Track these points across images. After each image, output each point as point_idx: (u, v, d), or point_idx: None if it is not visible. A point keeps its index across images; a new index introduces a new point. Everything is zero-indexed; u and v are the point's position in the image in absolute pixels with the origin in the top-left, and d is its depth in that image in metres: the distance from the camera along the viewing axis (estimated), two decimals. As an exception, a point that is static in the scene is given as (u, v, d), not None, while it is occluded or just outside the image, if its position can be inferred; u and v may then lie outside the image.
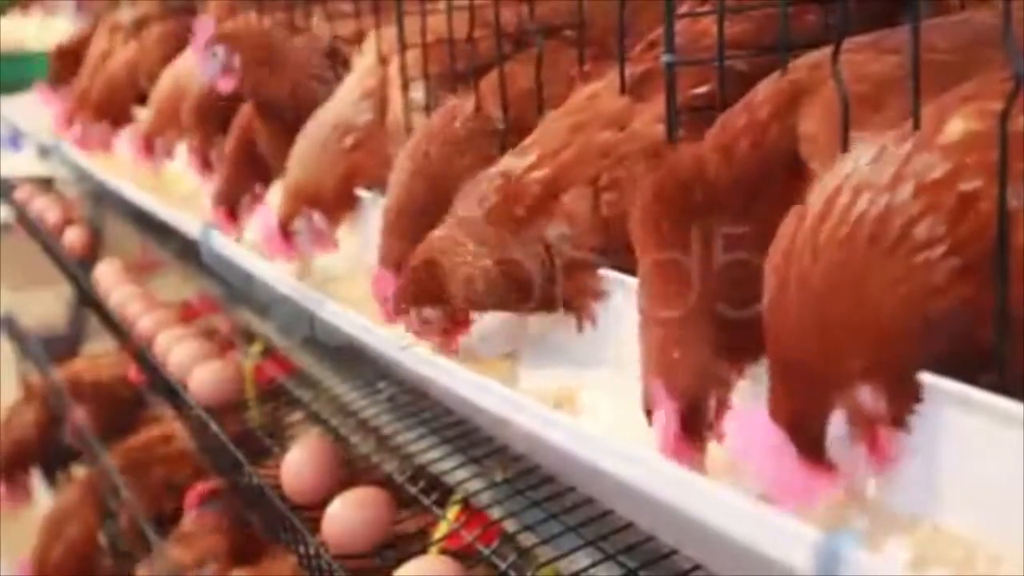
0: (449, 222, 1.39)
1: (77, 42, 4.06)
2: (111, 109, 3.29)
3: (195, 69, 2.37)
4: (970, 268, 0.87)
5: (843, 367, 0.89)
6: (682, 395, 1.07)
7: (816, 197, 0.93)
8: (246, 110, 2.18)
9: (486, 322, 1.48)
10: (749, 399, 1.06)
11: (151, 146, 2.88)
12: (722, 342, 1.07)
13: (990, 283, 0.87)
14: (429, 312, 1.42)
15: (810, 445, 0.91)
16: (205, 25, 2.26)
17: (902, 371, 0.90)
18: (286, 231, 1.88)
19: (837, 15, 1.22)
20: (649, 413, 1.09)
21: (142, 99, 3.05)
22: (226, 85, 2.19)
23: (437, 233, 1.40)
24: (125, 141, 3.20)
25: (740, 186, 1.09)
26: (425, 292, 1.40)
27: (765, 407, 0.93)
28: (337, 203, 1.86)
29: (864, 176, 0.91)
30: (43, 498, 4.64)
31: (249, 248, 2.17)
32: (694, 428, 1.07)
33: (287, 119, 2.05)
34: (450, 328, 1.44)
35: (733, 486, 0.99)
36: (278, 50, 2.15)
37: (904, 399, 0.90)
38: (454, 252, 1.36)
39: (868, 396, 0.89)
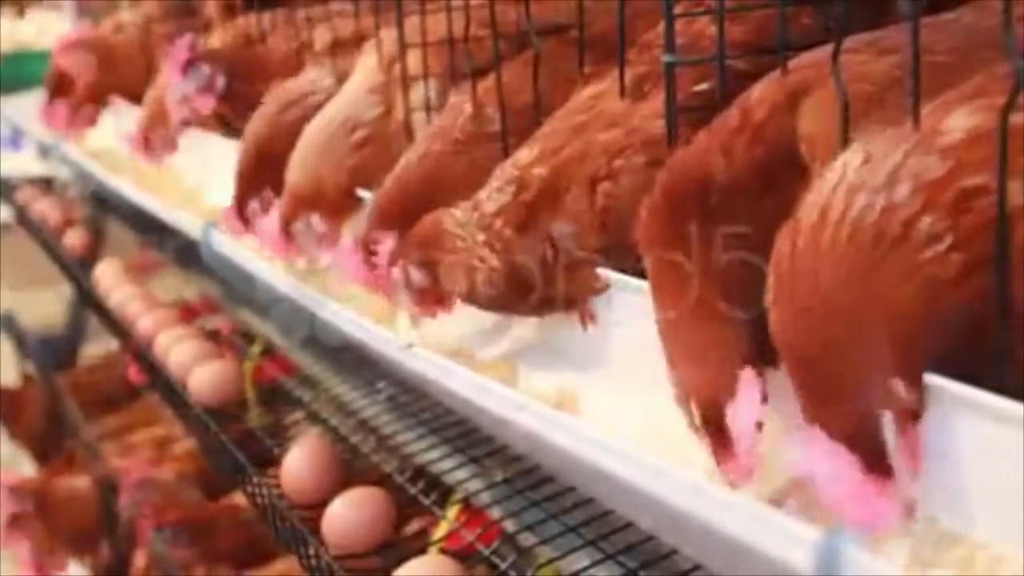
0: (467, 206, 1.40)
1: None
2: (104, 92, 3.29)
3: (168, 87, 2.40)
4: (978, 263, 0.87)
5: (872, 360, 0.88)
6: None
7: (809, 207, 0.92)
8: (256, 116, 2.15)
9: (486, 322, 1.48)
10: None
11: (149, 144, 2.88)
12: None
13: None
14: (417, 275, 1.43)
15: (876, 453, 0.88)
16: (183, 43, 2.30)
17: (919, 363, 0.89)
18: (287, 232, 1.86)
19: (833, 16, 1.23)
20: None
21: (139, 98, 3.04)
22: (205, 104, 2.22)
23: (456, 213, 1.40)
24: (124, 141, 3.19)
25: (741, 188, 1.09)
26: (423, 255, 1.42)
27: (818, 436, 0.90)
28: (341, 201, 1.84)
29: (855, 179, 0.90)
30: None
31: (249, 248, 2.16)
32: None
33: None
34: (431, 300, 1.46)
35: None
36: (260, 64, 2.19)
37: (920, 393, 0.90)
38: (461, 239, 1.37)
39: (903, 388, 0.88)
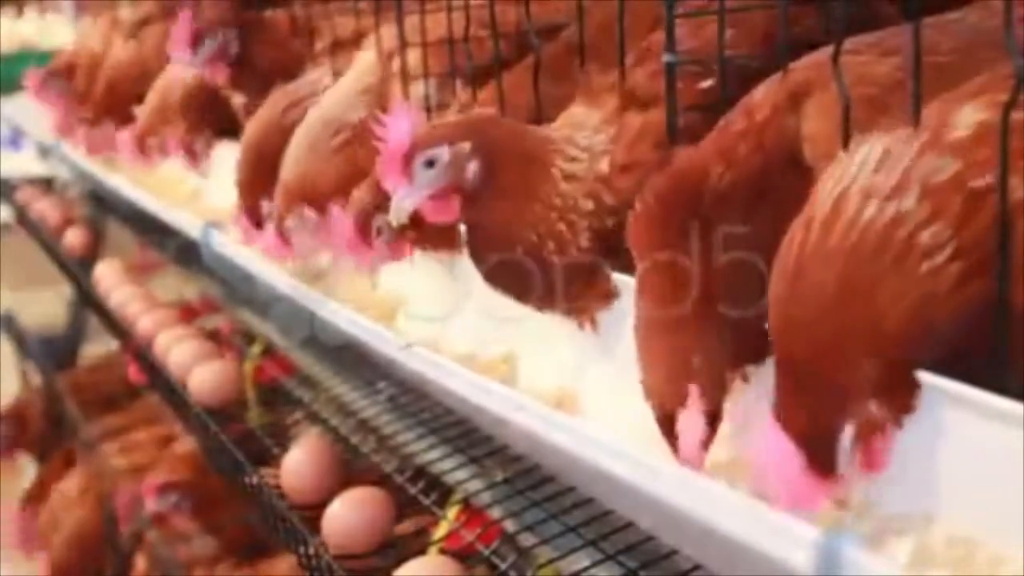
0: (582, 164, 1.32)
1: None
2: (113, 108, 3.28)
3: (181, 61, 2.31)
4: (979, 266, 0.87)
5: (857, 380, 0.89)
6: None
7: (823, 201, 0.93)
8: (253, 122, 2.14)
9: (486, 322, 1.48)
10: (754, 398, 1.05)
11: (145, 145, 2.87)
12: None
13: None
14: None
15: (822, 458, 0.91)
16: (184, 18, 2.23)
17: (906, 378, 0.90)
18: (282, 231, 1.84)
19: (829, 18, 1.23)
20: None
21: (141, 99, 3.05)
22: (218, 74, 2.20)
23: (570, 159, 1.30)
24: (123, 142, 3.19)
25: (742, 190, 1.09)
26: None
27: (771, 413, 0.93)
28: (331, 200, 1.82)
29: (871, 181, 0.91)
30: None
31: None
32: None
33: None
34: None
35: (733, 486, 1.00)
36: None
37: (904, 402, 0.91)
38: (561, 197, 1.29)
39: (877, 407, 0.90)
